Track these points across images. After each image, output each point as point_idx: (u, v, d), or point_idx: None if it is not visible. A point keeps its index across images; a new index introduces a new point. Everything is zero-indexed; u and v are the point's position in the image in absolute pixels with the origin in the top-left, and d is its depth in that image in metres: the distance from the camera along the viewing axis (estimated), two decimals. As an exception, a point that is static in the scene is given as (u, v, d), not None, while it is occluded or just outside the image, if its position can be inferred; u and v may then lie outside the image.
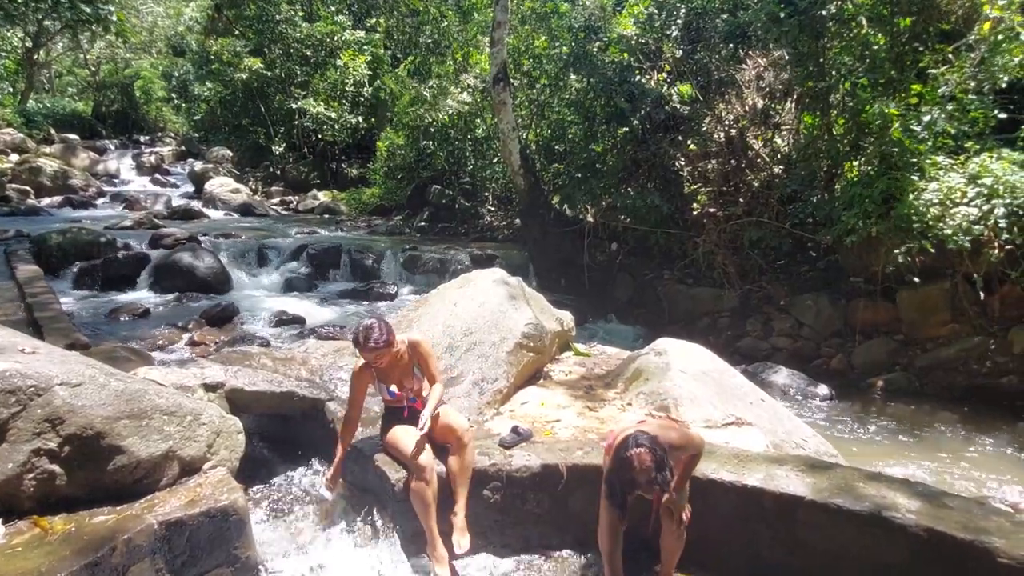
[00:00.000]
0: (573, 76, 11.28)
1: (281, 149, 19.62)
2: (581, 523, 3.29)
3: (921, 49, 7.23)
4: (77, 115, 24.45)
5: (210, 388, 3.51)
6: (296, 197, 18.33)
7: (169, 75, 27.94)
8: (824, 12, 7.50)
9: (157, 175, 20.85)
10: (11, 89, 22.73)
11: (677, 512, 2.89)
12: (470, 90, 13.86)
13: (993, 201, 6.16)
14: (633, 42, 10.11)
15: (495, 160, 14.07)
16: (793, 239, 8.47)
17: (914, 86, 6.91)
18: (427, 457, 3.24)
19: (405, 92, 15.53)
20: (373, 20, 20.02)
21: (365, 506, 3.45)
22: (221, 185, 17.12)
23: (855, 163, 7.76)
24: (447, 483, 3.30)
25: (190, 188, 18.99)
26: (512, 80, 11.46)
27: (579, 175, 10.33)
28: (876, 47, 7.22)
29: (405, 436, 3.31)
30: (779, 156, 9.25)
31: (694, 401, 4.15)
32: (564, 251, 10.18)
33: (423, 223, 14.48)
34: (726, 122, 9.50)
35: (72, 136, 21.66)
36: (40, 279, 7.49)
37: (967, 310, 6.73)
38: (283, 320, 7.74)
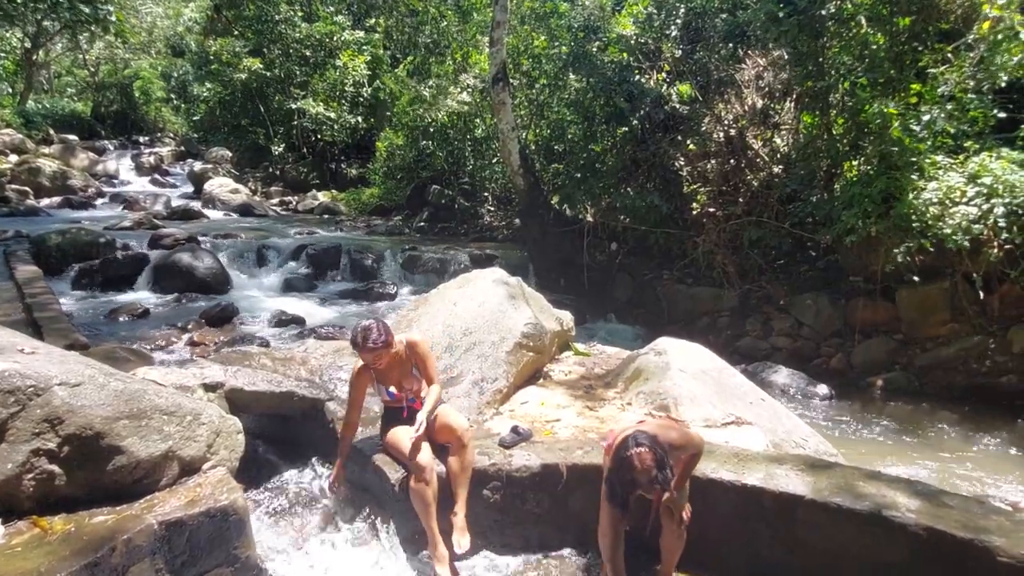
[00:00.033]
0: (572, 76, 11.28)
1: (280, 149, 19.61)
2: (581, 523, 3.29)
3: (920, 48, 7.23)
4: (76, 116, 24.44)
5: (210, 388, 3.51)
6: (295, 197, 18.33)
7: (168, 75, 27.93)
8: (823, 11, 7.50)
9: (156, 175, 20.84)
10: (10, 90, 22.71)
11: (677, 511, 2.89)
12: (469, 90, 13.86)
13: (992, 200, 6.16)
14: (632, 42, 10.11)
15: (494, 160, 14.07)
16: (793, 239, 8.47)
17: (913, 85, 6.91)
18: (426, 457, 3.24)
19: (404, 92, 15.54)
20: (372, 20, 20.03)
21: (365, 506, 3.46)
22: (220, 185, 17.12)
23: (854, 162, 7.76)
24: (447, 483, 3.30)
25: (189, 188, 18.98)
26: (511, 80, 11.46)
27: (578, 175, 10.33)
28: (875, 46, 7.22)
29: (404, 436, 3.31)
30: (778, 156, 9.25)
31: (694, 400, 4.14)
32: (563, 251, 10.18)
33: (422, 223, 14.48)
34: (725, 122, 9.50)
35: (71, 137, 21.65)
36: (39, 279, 7.48)
37: (967, 309, 6.73)
38: (283, 320, 7.73)
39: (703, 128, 9.45)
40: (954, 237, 6.21)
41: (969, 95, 6.56)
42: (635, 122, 9.68)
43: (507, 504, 3.42)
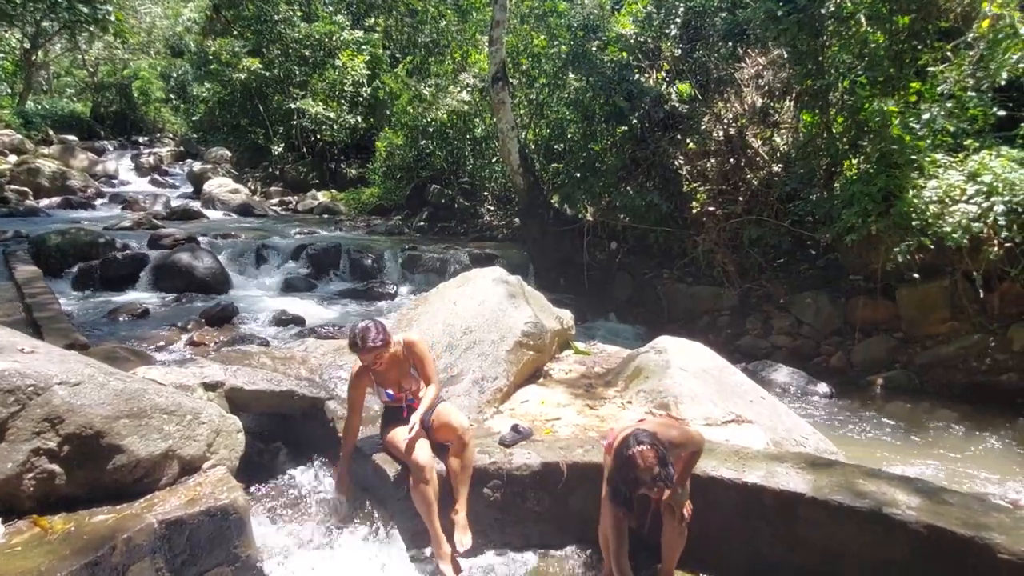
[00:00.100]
0: (572, 75, 11.28)
1: (280, 149, 19.60)
2: (582, 521, 3.30)
3: (920, 47, 7.23)
4: (75, 116, 24.41)
5: (209, 387, 3.51)
6: (295, 197, 18.31)
7: (167, 76, 27.91)
8: (823, 10, 7.50)
9: (156, 176, 20.82)
10: (9, 90, 22.71)
11: (678, 509, 2.89)
12: (469, 89, 13.85)
13: (992, 198, 6.16)
14: (632, 41, 10.11)
15: (494, 160, 14.06)
16: (792, 237, 8.47)
17: (913, 84, 6.91)
18: (426, 456, 3.24)
19: (404, 92, 15.53)
20: (372, 20, 20.00)
21: (366, 505, 3.45)
22: (220, 185, 17.10)
23: (854, 161, 7.76)
24: (447, 481, 3.30)
25: (189, 189, 18.96)
26: (511, 79, 11.46)
27: (578, 174, 10.33)
28: (875, 45, 7.22)
29: (404, 436, 3.31)
30: (778, 154, 9.25)
31: (694, 399, 4.14)
32: (563, 250, 10.18)
33: (422, 223, 14.48)
34: (725, 120, 9.50)
35: (70, 137, 21.63)
36: (39, 280, 7.47)
37: (967, 308, 6.73)
38: (282, 320, 7.73)
39: (703, 127, 9.45)
40: (954, 235, 6.21)
41: (969, 93, 6.56)
42: (635, 121, 9.68)
43: (508, 502, 3.42)
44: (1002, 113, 6.61)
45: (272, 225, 14.34)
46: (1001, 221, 6.08)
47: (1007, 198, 6.09)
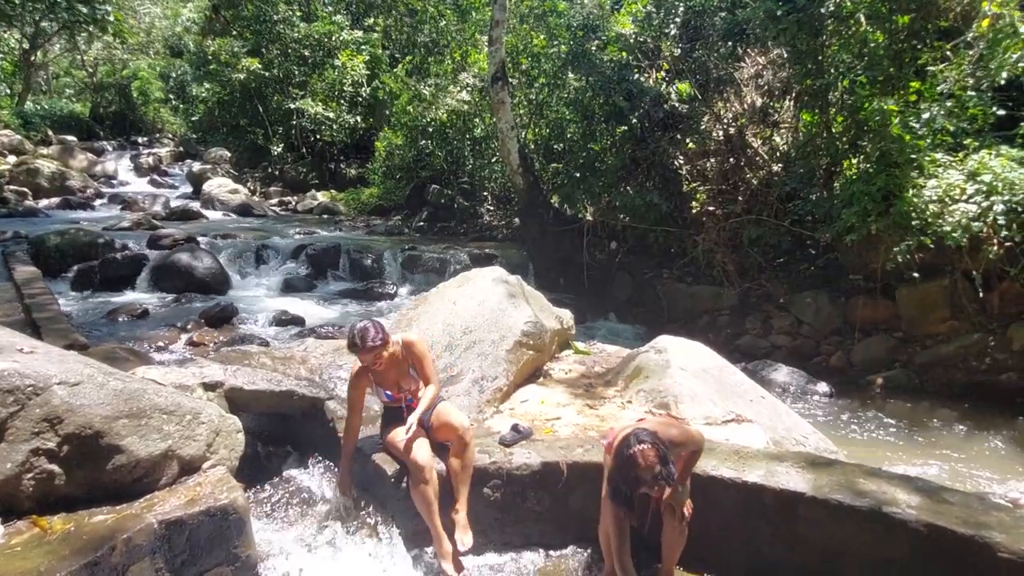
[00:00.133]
0: (572, 75, 11.28)
1: (279, 149, 19.59)
2: (582, 520, 3.29)
3: (920, 46, 7.23)
4: (75, 116, 24.40)
5: (209, 387, 3.50)
6: (295, 197, 18.31)
7: (167, 76, 27.89)
8: (822, 9, 7.50)
9: (155, 176, 20.81)
10: (8, 91, 22.70)
11: (679, 508, 2.89)
12: (468, 89, 13.85)
13: (992, 198, 6.16)
14: (631, 40, 10.11)
15: (494, 159, 14.06)
16: (792, 237, 8.47)
17: (913, 83, 6.91)
18: (425, 456, 3.24)
19: (404, 91, 15.52)
20: (371, 20, 20.00)
21: (366, 505, 3.45)
22: (219, 186, 17.10)
23: (854, 160, 7.76)
24: (447, 481, 3.30)
25: (188, 189, 18.96)
26: (510, 79, 11.45)
27: (578, 174, 10.32)
28: (875, 44, 7.22)
29: (403, 436, 3.31)
30: (778, 154, 9.25)
31: (694, 398, 4.14)
32: (563, 250, 10.18)
33: (422, 223, 14.47)
34: (725, 120, 9.50)
35: (70, 137, 21.63)
36: (38, 280, 7.46)
37: (966, 307, 6.74)
38: (282, 320, 7.72)
39: (702, 127, 9.45)
40: (954, 234, 6.21)
41: (968, 93, 6.56)
42: (634, 121, 9.68)
43: (508, 502, 3.42)
44: (1002, 112, 6.62)
45: (272, 225, 14.34)
46: (1001, 220, 6.08)
47: (1007, 197, 6.10)
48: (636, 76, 9.87)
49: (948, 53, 6.95)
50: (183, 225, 13.13)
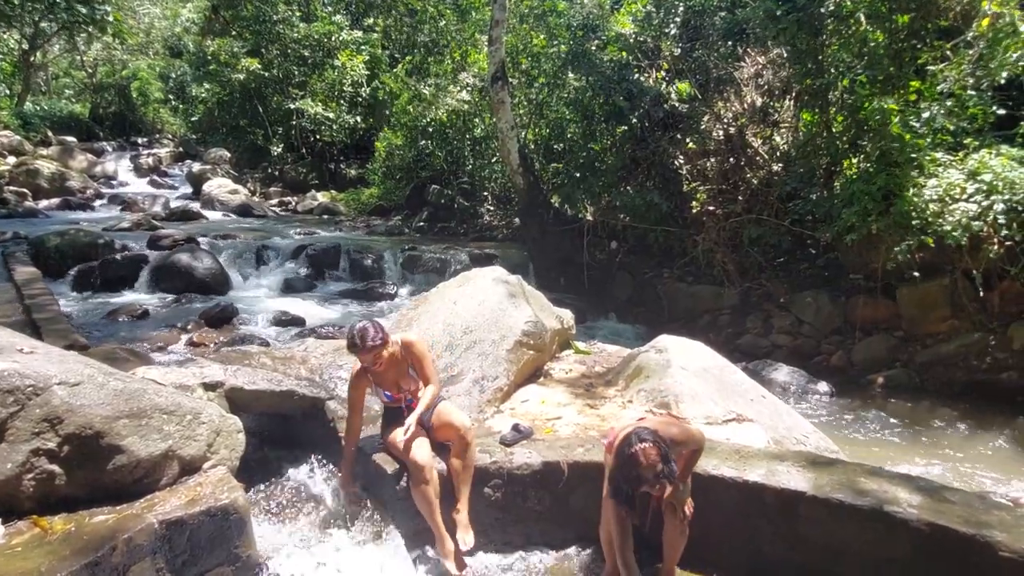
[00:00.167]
0: (571, 75, 11.27)
1: (279, 150, 19.59)
2: (582, 520, 3.29)
3: (919, 46, 7.23)
4: (74, 117, 24.40)
5: (209, 387, 3.50)
6: (295, 198, 18.30)
7: (166, 76, 27.87)
8: (822, 9, 7.50)
9: (155, 177, 20.81)
10: (8, 91, 22.69)
11: (680, 507, 2.88)
12: (468, 89, 13.85)
13: (992, 197, 6.16)
14: (631, 40, 10.11)
15: (494, 160, 14.06)
16: (793, 236, 8.47)
17: (913, 83, 6.91)
18: (425, 456, 3.24)
19: (403, 91, 15.52)
20: (371, 20, 20.00)
21: (367, 505, 3.45)
22: (219, 186, 17.09)
23: (854, 160, 7.76)
24: (448, 480, 3.30)
25: (188, 189, 18.96)
26: (510, 79, 11.45)
27: (578, 174, 10.32)
28: (874, 44, 7.22)
29: (402, 437, 3.30)
30: (778, 154, 9.25)
31: (695, 398, 4.14)
32: (563, 250, 10.17)
33: (422, 223, 14.47)
34: (725, 120, 9.50)
35: (69, 138, 21.62)
36: (38, 281, 7.46)
37: (967, 306, 6.73)
38: (282, 320, 7.72)
39: (702, 126, 9.45)
40: (954, 234, 6.21)
41: (968, 92, 6.55)
42: (634, 120, 9.68)
43: (508, 502, 3.42)
44: (1002, 112, 6.61)
45: (272, 226, 14.33)
46: (1001, 220, 6.08)
47: (1007, 197, 6.09)
48: (636, 76, 9.87)
49: (948, 52, 6.95)
50: (183, 226, 13.12)
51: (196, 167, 20.18)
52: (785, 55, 8.94)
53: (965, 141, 6.71)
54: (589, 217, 10.15)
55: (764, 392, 4.73)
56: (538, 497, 3.42)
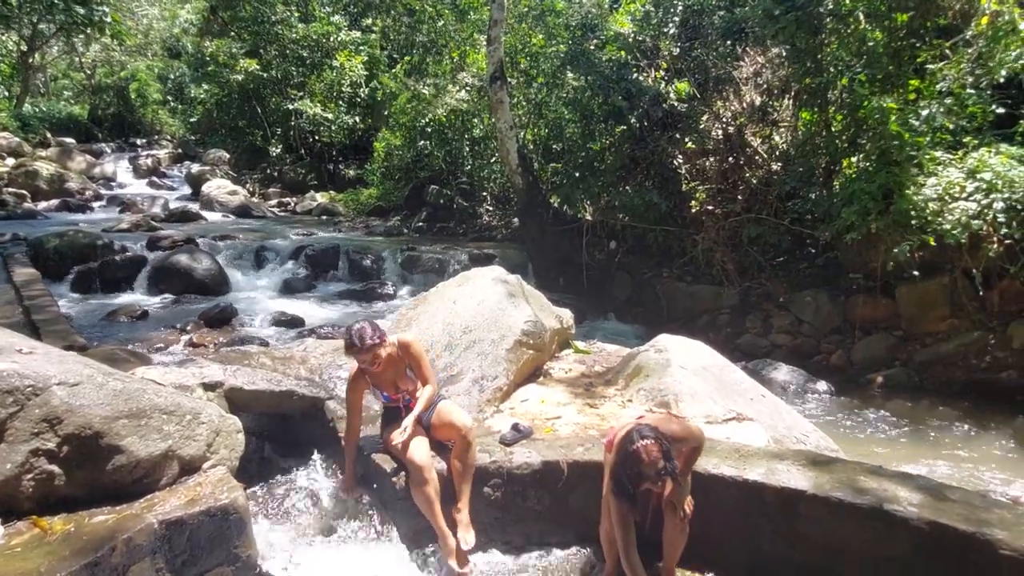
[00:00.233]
0: (570, 74, 11.28)
1: (278, 151, 19.58)
2: (582, 519, 3.29)
3: (919, 44, 7.23)
4: (73, 118, 24.41)
5: (209, 387, 3.49)
6: (294, 198, 18.30)
7: (165, 77, 27.89)
8: (821, 8, 7.50)
9: (154, 178, 20.80)
10: (6, 93, 22.70)
11: (680, 506, 2.88)
12: (467, 89, 13.84)
13: (992, 196, 6.16)
14: (630, 40, 10.11)
15: (493, 160, 14.06)
16: (792, 236, 8.47)
17: (912, 81, 6.91)
18: (423, 456, 3.24)
19: (402, 92, 15.52)
20: (369, 20, 19.99)
21: (367, 504, 3.44)
22: (218, 187, 17.08)
23: (853, 159, 7.76)
24: (449, 479, 3.30)
25: (187, 190, 18.95)
26: (509, 79, 11.45)
27: (577, 174, 10.32)
28: (874, 43, 7.22)
29: (400, 437, 3.30)
30: (777, 153, 9.25)
31: (694, 397, 4.14)
32: (562, 250, 10.17)
33: (421, 223, 14.46)
34: (724, 119, 9.50)
35: (68, 140, 21.62)
36: (37, 282, 7.46)
37: (966, 305, 6.73)
38: (282, 321, 7.72)
39: (701, 126, 9.45)
40: (954, 232, 6.21)
41: (968, 91, 6.56)
42: (633, 120, 9.68)
43: (508, 501, 3.42)
44: (1001, 110, 6.61)
45: (271, 226, 14.32)
46: (1000, 218, 6.08)
47: (1006, 195, 6.09)
48: (635, 75, 9.87)
49: (947, 51, 6.95)
50: (182, 226, 13.11)
51: (195, 168, 20.17)
52: (784, 54, 8.93)
53: (964, 140, 6.72)
54: (588, 217, 10.14)
55: (764, 391, 4.73)
56: (538, 496, 3.42)
